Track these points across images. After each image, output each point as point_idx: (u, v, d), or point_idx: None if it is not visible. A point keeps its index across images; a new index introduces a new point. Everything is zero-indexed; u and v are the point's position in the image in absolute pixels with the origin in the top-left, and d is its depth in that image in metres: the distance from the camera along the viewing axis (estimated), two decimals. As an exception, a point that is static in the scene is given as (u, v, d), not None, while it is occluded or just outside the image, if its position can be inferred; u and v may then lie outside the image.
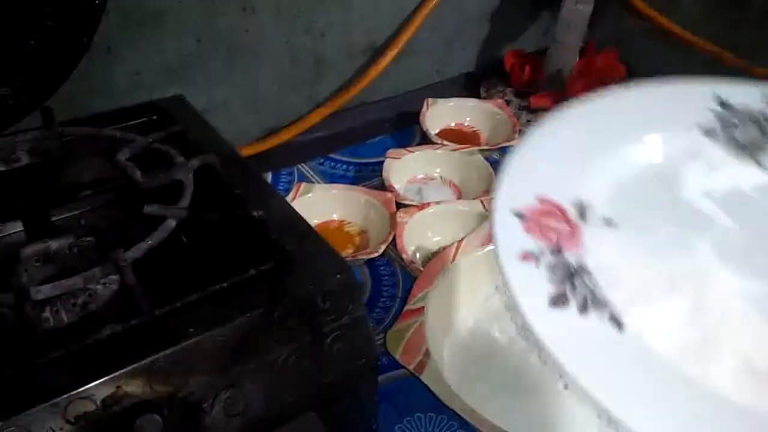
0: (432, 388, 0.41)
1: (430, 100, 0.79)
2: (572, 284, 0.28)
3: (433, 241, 0.62)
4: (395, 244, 0.59)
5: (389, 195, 0.64)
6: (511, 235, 0.30)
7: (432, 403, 0.43)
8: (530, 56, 0.88)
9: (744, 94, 0.38)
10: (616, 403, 0.24)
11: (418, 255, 0.61)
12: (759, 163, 0.36)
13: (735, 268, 0.31)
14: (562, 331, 0.26)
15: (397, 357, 0.43)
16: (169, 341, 0.34)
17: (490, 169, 0.68)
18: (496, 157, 0.74)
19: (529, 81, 0.84)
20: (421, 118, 0.77)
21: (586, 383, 0.24)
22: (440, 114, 0.79)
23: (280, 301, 0.37)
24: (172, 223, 0.38)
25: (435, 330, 0.48)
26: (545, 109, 0.81)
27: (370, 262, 0.61)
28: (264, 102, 0.75)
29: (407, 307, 0.47)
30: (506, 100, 0.83)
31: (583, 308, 0.27)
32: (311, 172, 0.74)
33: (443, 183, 0.71)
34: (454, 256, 0.52)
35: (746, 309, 0.29)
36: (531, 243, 0.29)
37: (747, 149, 0.37)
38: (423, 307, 0.47)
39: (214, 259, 0.40)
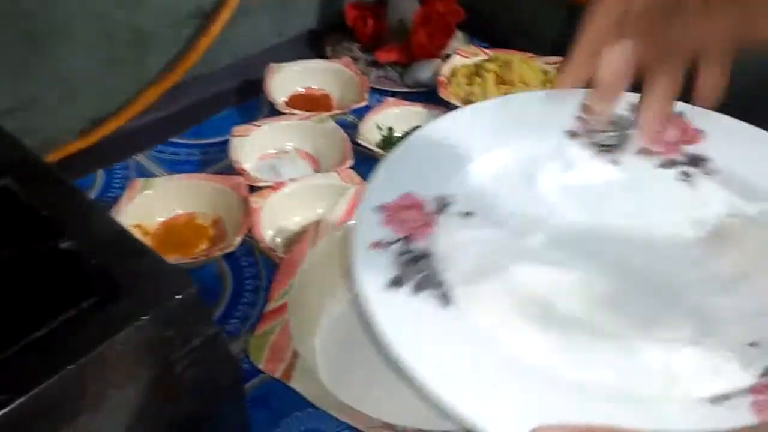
0: (302, 392, 0.39)
1: (274, 66, 0.74)
2: (412, 268, 0.32)
3: (294, 222, 0.59)
4: (253, 232, 0.55)
5: (239, 179, 0.59)
6: (368, 228, 0.33)
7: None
8: (372, 8, 0.84)
9: None
10: (431, 372, 0.26)
11: (278, 240, 0.57)
12: (615, 162, 0.39)
13: (557, 254, 0.34)
14: (392, 310, 0.29)
15: (261, 366, 0.40)
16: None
17: (344, 135, 0.65)
18: (349, 120, 0.71)
19: (374, 34, 0.81)
20: (265, 86, 0.71)
21: (403, 353, 0.27)
22: (286, 80, 0.74)
23: (111, 339, 0.32)
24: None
25: (302, 325, 0.45)
26: (393, 63, 0.79)
27: (228, 256, 0.56)
28: (82, 90, 0.66)
29: (268, 307, 0.44)
30: (353, 58, 0.79)
31: (418, 288, 0.31)
32: (150, 163, 0.67)
33: (299, 156, 0.67)
34: (315, 239, 0.49)
35: (560, 291, 0.32)
36: (384, 233, 0.33)
37: (606, 150, 0.40)
38: (286, 304, 0.44)
39: (21, 304, 0.34)
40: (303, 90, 0.76)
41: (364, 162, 0.63)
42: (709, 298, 0.32)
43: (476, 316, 0.30)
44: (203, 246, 0.57)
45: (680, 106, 0.40)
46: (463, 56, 0.77)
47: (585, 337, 0.30)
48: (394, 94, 0.75)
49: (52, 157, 0.63)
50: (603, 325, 0.31)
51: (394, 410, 0.41)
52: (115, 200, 0.57)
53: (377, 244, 0.32)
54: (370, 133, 0.67)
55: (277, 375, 0.39)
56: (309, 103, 0.74)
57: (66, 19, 0.61)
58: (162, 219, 0.58)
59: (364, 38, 0.81)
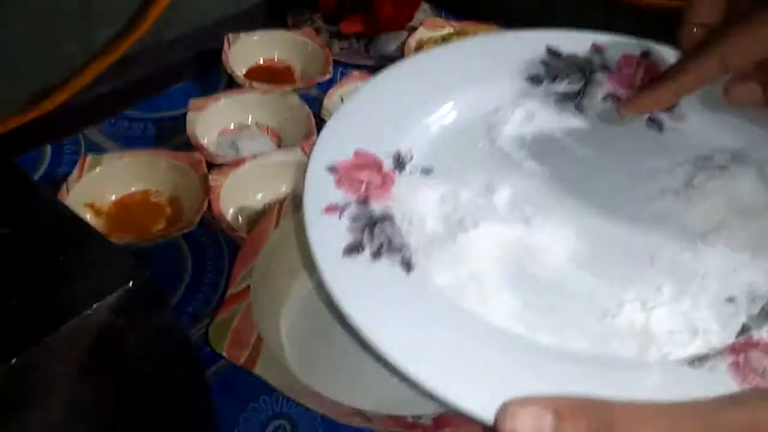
0: (268, 379, 0.37)
1: (231, 35, 0.70)
2: (371, 233, 0.30)
3: (256, 200, 0.56)
4: (212, 210, 0.53)
5: (197, 155, 0.56)
6: (320, 190, 0.31)
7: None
8: (335, -25, 0.81)
9: (573, 42, 0.39)
10: (394, 342, 0.25)
11: (240, 219, 0.55)
12: (579, 110, 0.37)
13: (523, 211, 0.32)
14: (351, 277, 0.27)
15: (224, 353, 0.38)
16: None
17: (308, 109, 0.63)
18: (313, 94, 0.69)
19: (337, 3, 0.78)
20: (223, 57, 0.68)
21: (356, 319, 0.25)
22: (245, 51, 0.71)
23: (57, 331, 0.30)
24: None
25: (266, 309, 0.43)
26: (357, 35, 0.77)
27: (187, 236, 0.54)
28: (23, 60, 0.61)
29: (230, 291, 0.42)
30: (315, 28, 0.76)
31: (377, 254, 0.29)
32: (102, 138, 0.63)
33: (260, 131, 0.64)
34: (278, 219, 0.47)
35: (528, 251, 0.31)
36: (338, 195, 0.30)
37: (569, 97, 0.37)
38: (248, 288, 0.42)
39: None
40: (263, 62, 0.73)
41: (329, 137, 0.60)
42: (683, 255, 0.31)
43: (441, 280, 0.29)
44: (160, 226, 0.54)
45: (648, 45, 0.38)
46: (429, 28, 0.75)
47: (555, 299, 0.29)
48: (358, 66, 0.73)
49: (-7, 132, 0.59)
50: (574, 286, 0.29)
51: (364, 396, 0.40)
52: (64, 178, 0.54)
53: (331, 208, 0.30)
54: (334, 108, 0.65)
55: (241, 362, 0.38)
56: (270, 75, 0.71)
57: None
58: (115, 197, 0.55)
59: (327, 8, 0.78)
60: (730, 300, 0.29)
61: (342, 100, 0.66)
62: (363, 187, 0.31)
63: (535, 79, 0.38)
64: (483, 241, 0.31)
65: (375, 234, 0.30)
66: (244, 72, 0.70)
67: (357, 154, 0.32)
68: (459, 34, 0.74)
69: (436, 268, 0.29)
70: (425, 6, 0.81)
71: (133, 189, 0.55)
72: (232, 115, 0.64)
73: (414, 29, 0.75)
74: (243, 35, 0.71)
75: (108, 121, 0.65)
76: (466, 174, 0.33)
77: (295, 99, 0.64)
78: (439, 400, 0.24)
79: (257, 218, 0.54)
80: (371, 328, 0.25)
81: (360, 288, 0.27)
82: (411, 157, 0.34)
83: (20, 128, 0.60)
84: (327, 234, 0.29)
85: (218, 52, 0.68)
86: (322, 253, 0.28)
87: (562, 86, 0.38)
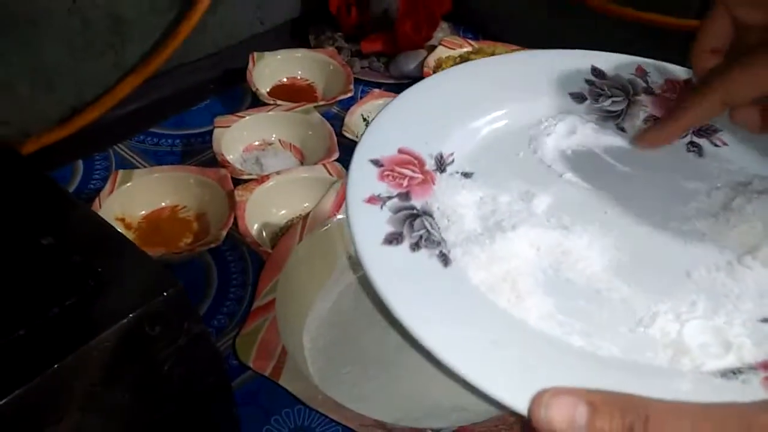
0: (292, 390, 0.38)
1: (256, 54, 0.73)
2: (411, 225, 0.30)
3: (279, 215, 0.58)
4: (238, 226, 0.54)
5: (223, 171, 0.58)
6: (363, 181, 0.32)
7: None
8: (356, -4, 0.83)
9: (619, 64, 0.40)
10: (425, 327, 0.26)
11: (264, 234, 0.56)
12: (620, 129, 0.38)
13: (562, 219, 0.33)
14: (389, 265, 0.28)
15: (251, 364, 0.39)
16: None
17: (329, 127, 0.64)
18: (334, 111, 0.70)
19: (358, 23, 0.80)
20: (248, 75, 0.70)
21: (395, 306, 0.26)
22: (269, 69, 0.73)
23: (96, 338, 0.31)
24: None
25: (290, 322, 0.44)
26: (378, 54, 0.78)
27: (214, 250, 0.55)
28: (59, 77, 0.64)
29: (256, 304, 0.43)
30: (337, 47, 0.78)
31: (416, 246, 0.29)
32: (131, 153, 0.65)
33: (283, 148, 0.66)
34: (302, 234, 0.48)
35: (566, 257, 0.31)
36: (381, 188, 0.31)
37: (611, 116, 0.38)
38: (274, 301, 0.43)
39: (2, 303, 0.33)
40: (286, 80, 0.75)
41: (350, 154, 0.62)
42: (719, 273, 0.31)
43: (478, 277, 0.29)
44: (187, 240, 0.56)
45: (690, 73, 0.39)
46: (448, 47, 0.76)
47: (590, 305, 0.29)
48: (378, 85, 0.75)
49: (28, 149, 0.61)
50: (609, 294, 0.30)
51: (384, 409, 0.41)
52: (96, 192, 0.56)
53: (373, 199, 0.31)
54: (355, 125, 0.66)
55: (267, 373, 0.39)
56: (293, 93, 0.73)
57: (42, 5, 0.59)
58: (144, 212, 0.57)
59: (348, 28, 0.80)
60: (765, 320, 0.29)
61: (363, 117, 0.68)
62: (405, 182, 0.32)
63: (578, 96, 0.39)
64: (521, 243, 0.31)
65: (415, 227, 0.30)
66: (267, 90, 0.72)
67: (401, 150, 0.33)
68: (477, 53, 0.75)
69: (472, 265, 0.29)
70: (444, 25, 0.82)
71: (162, 204, 0.57)
72: (257, 132, 0.65)
73: (433, 48, 0.76)
74: (267, 54, 0.73)
75: (137, 138, 0.67)
76: (506, 181, 0.34)
77: (317, 116, 0.66)
78: (471, 387, 0.24)
79: (281, 234, 0.56)
80: (409, 315, 0.26)
81: (398, 276, 0.28)
82: (452, 161, 0.35)
83: (53, 144, 0.63)
84: (368, 222, 0.30)
85: (243, 70, 0.71)
86: (363, 240, 0.29)
87: (605, 105, 0.39)
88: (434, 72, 0.73)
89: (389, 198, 0.31)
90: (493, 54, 0.74)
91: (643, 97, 0.39)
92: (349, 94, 0.69)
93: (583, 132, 0.37)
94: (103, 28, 0.65)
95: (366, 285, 0.28)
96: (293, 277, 0.47)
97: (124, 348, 0.32)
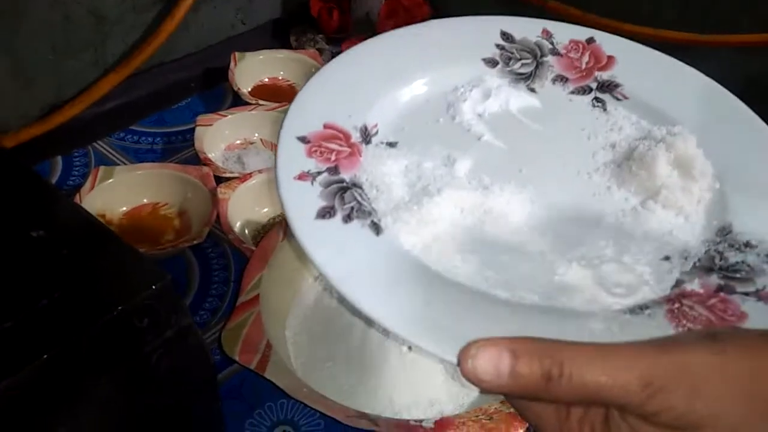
0: (277, 383, 0.39)
1: (238, 54, 0.73)
2: (342, 198, 0.31)
3: (262, 213, 0.58)
4: (221, 223, 0.55)
5: (205, 169, 0.58)
6: (292, 159, 0.32)
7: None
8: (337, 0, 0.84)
9: (526, 27, 0.43)
10: (362, 294, 0.27)
11: (246, 231, 0.57)
12: (531, 90, 0.40)
13: (482, 180, 0.34)
14: (324, 239, 0.29)
15: (236, 357, 0.40)
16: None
17: (312, 127, 0.65)
18: (316, 112, 0.71)
19: (339, 26, 0.81)
20: (230, 75, 0.70)
21: (335, 278, 0.27)
22: (251, 69, 0.73)
23: (85, 330, 0.31)
24: None
25: (274, 317, 0.45)
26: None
27: (195, 247, 0.56)
28: (39, 73, 0.63)
29: (241, 299, 0.43)
30: (318, 49, 0.79)
31: (348, 218, 0.31)
32: (111, 151, 0.65)
33: (265, 147, 0.66)
34: (285, 231, 0.49)
35: (487, 215, 0.33)
36: (310, 164, 0.32)
37: (522, 78, 0.41)
38: (258, 296, 0.44)
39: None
40: (268, 80, 0.75)
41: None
42: (626, 218, 0.34)
43: (409, 242, 0.30)
44: (168, 237, 0.56)
45: (592, 33, 0.42)
46: (428, 51, 0.77)
47: (512, 258, 0.31)
48: (360, 86, 0.75)
49: (6, 144, 0.60)
50: (529, 247, 0.32)
51: (365, 400, 0.42)
52: (75, 189, 0.55)
53: (303, 175, 0.32)
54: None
55: (252, 366, 0.39)
56: (274, 93, 0.73)
57: (24, 0, 0.59)
58: (125, 209, 0.57)
59: (329, 30, 0.81)
60: (666, 258, 0.32)
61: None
62: (333, 156, 0.33)
63: (491, 61, 0.41)
64: (446, 206, 0.32)
65: (345, 199, 0.31)
66: (249, 89, 0.72)
67: (326, 125, 0.34)
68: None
69: (403, 231, 0.31)
70: (424, 30, 0.83)
71: (143, 201, 0.57)
72: (239, 131, 0.66)
73: (414, 52, 0.77)
74: (249, 54, 0.74)
75: (117, 135, 0.67)
76: (428, 147, 0.36)
77: (299, 117, 0.66)
78: (407, 343, 0.25)
79: (263, 231, 0.56)
80: (345, 284, 0.27)
81: (333, 248, 0.29)
82: (377, 132, 0.36)
83: (32, 140, 0.62)
84: (300, 199, 0.31)
85: (224, 70, 0.71)
86: (297, 216, 0.30)
87: (516, 68, 0.41)
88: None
89: (319, 173, 0.32)
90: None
91: (549, 58, 0.41)
92: (331, 95, 0.70)
93: (497, 95, 0.39)
94: (84, 25, 0.65)
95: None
96: (276, 273, 0.47)
97: (113, 340, 0.32)
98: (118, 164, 0.63)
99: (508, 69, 0.41)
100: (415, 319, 0.27)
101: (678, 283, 0.30)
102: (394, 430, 0.39)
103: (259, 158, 0.64)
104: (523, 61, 0.41)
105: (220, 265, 0.55)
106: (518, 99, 0.40)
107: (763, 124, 0.37)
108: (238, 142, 0.66)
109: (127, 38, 0.70)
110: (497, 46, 0.41)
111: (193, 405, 0.38)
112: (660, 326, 0.28)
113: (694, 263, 0.31)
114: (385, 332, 0.27)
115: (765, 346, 0.23)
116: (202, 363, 0.37)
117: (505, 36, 0.42)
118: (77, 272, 0.33)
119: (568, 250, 0.32)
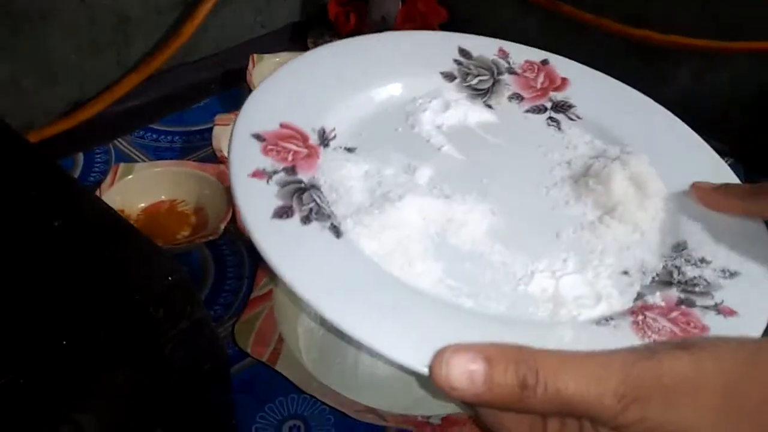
0: (288, 376, 0.39)
1: (256, 56, 0.74)
2: (300, 199, 0.31)
3: (276, 211, 0.59)
4: (236, 220, 0.56)
5: (222, 167, 0.59)
6: (247, 155, 0.32)
7: (293, 385, 0.42)
8: (354, 3, 0.85)
9: (483, 46, 0.43)
10: (322, 298, 0.26)
11: (261, 229, 0.58)
12: (488, 106, 0.41)
13: (443, 189, 0.35)
14: (281, 239, 0.28)
15: (249, 350, 0.41)
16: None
17: (327, 128, 0.66)
18: (331, 114, 0.72)
19: (356, 30, 0.82)
20: (248, 76, 0.72)
21: (291, 278, 0.27)
22: (268, 71, 0.74)
23: (103, 321, 0.32)
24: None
25: (286, 311, 0.46)
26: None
27: (211, 243, 0.57)
28: (63, 72, 0.65)
29: (254, 293, 0.44)
30: (336, 52, 0.80)
31: (307, 219, 0.30)
32: (131, 148, 0.67)
33: (280, 146, 0.67)
34: (299, 229, 0.50)
35: (450, 224, 0.33)
36: (266, 162, 0.32)
37: (479, 94, 0.42)
38: (271, 291, 0.44)
39: (7, 284, 0.34)
40: (285, 82, 0.76)
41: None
42: (584, 232, 0.34)
43: (370, 247, 0.30)
44: (185, 233, 0.57)
45: (547, 55, 0.43)
46: (444, 55, 0.78)
47: (475, 267, 0.31)
48: (375, 89, 0.76)
49: (31, 139, 0.62)
50: (491, 257, 0.32)
51: (374, 396, 0.42)
52: (96, 184, 0.57)
53: (258, 173, 0.31)
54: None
55: (264, 359, 0.40)
56: (291, 95, 0.74)
57: (48, 2, 0.61)
58: (144, 205, 0.58)
59: (346, 34, 0.82)
60: (625, 272, 0.32)
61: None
62: (290, 156, 0.33)
63: (448, 75, 0.42)
64: (408, 212, 0.32)
65: (304, 200, 0.31)
66: (267, 91, 0.73)
67: (283, 125, 0.34)
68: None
69: (364, 235, 0.31)
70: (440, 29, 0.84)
71: (161, 197, 0.58)
72: (255, 131, 0.67)
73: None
74: (266, 56, 0.75)
75: (137, 133, 0.68)
76: (388, 155, 0.36)
77: (315, 118, 0.67)
78: (373, 352, 0.25)
79: (277, 229, 0.57)
80: (306, 287, 0.27)
81: (291, 249, 0.28)
82: (335, 136, 0.36)
83: (55, 136, 0.64)
84: (255, 197, 0.30)
85: (243, 71, 0.72)
86: (252, 214, 0.29)
87: (473, 83, 0.42)
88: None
89: (275, 172, 0.31)
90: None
91: (506, 77, 0.42)
92: (347, 97, 0.71)
93: (455, 108, 0.40)
94: (108, 25, 0.67)
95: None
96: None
97: (129, 329, 0.33)
98: (138, 161, 0.64)
99: (466, 84, 0.42)
100: (379, 327, 0.26)
101: (639, 296, 0.31)
102: (402, 426, 0.39)
103: (275, 158, 0.65)
104: (481, 78, 0.42)
105: (234, 262, 0.56)
106: (476, 113, 0.40)
107: (709, 148, 0.39)
108: (255, 141, 0.67)
109: (149, 39, 0.71)
110: (455, 61, 0.42)
111: (205, 396, 0.39)
112: (626, 337, 0.28)
113: (653, 278, 0.32)
114: (346, 337, 0.26)
115: (738, 357, 0.23)
116: (216, 355, 0.38)
117: (463, 52, 0.43)
118: (96, 262, 0.34)
119: (531, 261, 0.32)
